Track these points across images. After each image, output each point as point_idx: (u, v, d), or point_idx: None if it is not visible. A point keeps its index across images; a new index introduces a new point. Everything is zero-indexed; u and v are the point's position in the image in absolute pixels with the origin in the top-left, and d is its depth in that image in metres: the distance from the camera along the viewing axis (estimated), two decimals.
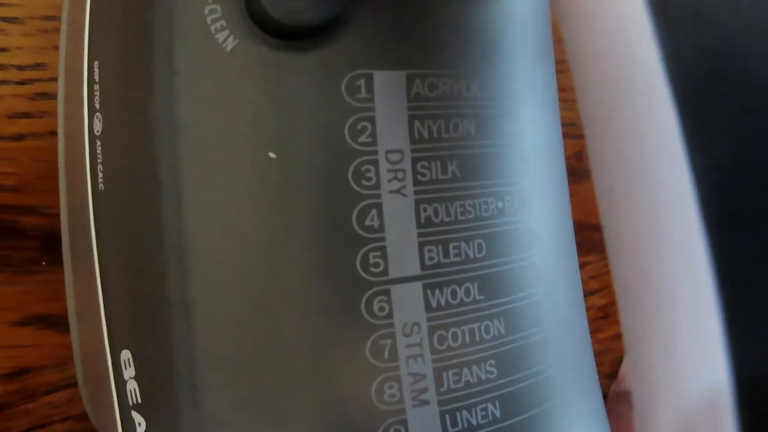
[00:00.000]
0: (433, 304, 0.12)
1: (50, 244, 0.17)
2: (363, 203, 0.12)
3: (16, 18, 0.17)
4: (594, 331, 0.22)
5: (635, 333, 0.08)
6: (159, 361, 0.12)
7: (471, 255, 0.12)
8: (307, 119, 0.11)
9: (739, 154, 0.07)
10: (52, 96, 0.17)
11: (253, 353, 0.11)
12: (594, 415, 0.15)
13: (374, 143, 0.12)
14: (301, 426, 0.11)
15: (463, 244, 0.12)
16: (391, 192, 0.12)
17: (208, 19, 0.11)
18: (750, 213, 0.07)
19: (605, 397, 0.28)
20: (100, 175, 0.13)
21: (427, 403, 0.12)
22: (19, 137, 0.17)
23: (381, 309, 0.12)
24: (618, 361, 0.29)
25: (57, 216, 0.15)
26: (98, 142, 0.13)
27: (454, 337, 0.12)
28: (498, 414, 0.12)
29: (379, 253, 0.12)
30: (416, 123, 0.12)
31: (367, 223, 0.12)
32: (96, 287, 0.14)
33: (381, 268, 0.12)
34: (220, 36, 0.11)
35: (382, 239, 0.12)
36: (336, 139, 0.11)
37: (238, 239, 0.11)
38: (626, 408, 0.27)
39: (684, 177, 0.07)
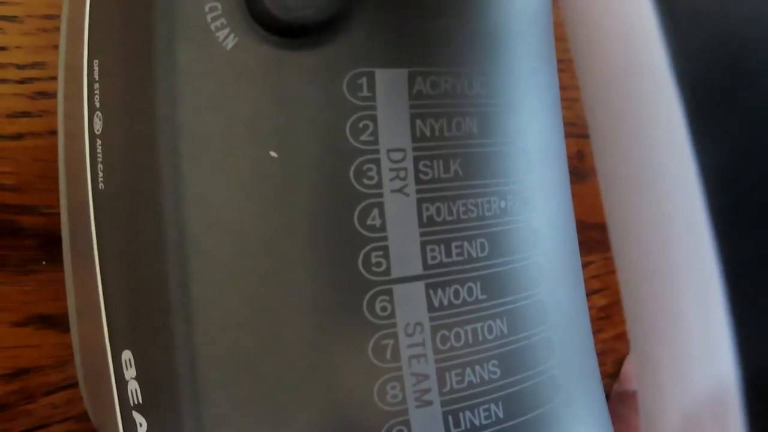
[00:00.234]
0: (436, 303, 0.12)
1: (50, 243, 0.17)
2: (365, 202, 0.12)
3: (15, 17, 0.17)
4: (596, 331, 0.22)
5: (641, 329, 0.08)
6: (160, 361, 0.12)
7: (474, 254, 0.12)
8: (309, 118, 0.11)
9: (747, 151, 0.07)
10: (52, 95, 0.17)
11: (255, 353, 0.11)
12: (597, 415, 0.15)
13: (376, 142, 0.12)
14: (302, 426, 0.11)
15: (466, 244, 0.12)
16: (392, 191, 0.12)
17: (208, 17, 0.11)
18: (757, 209, 0.06)
19: (607, 397, 0.28)
20: (101, 174, 0.13)
21: (429, 403, 0.12)
22: (19, 136, 0.17)
23: (383, 309, 0.12)
24: (620, 361, 0.29)
25: (57, 215, 0.15)
26: (98, 141, 0.13)
27: (457, 337, 0.12)
28: (501, 414, 0.12)
29: (381, 253, 0.12)
30: (418, 121, 0.12)
31: (369, 222, 0.12)
32: (96, 287, 0.14)
33: (383, 267, 0.12)
34: (221, 34, 0.11)
35: (384, 239, 0.12)
36: (337, 138, 0.11)
37: (238, 238, 0.11)
38: (628, 409, 0.27)
39: (691, 174, 0.07)
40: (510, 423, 0.12)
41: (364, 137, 0.11)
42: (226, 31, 0.11)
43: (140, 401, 0.12)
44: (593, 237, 0.28)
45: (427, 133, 0.12)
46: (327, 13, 0.11)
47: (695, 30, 0.07)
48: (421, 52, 0.12)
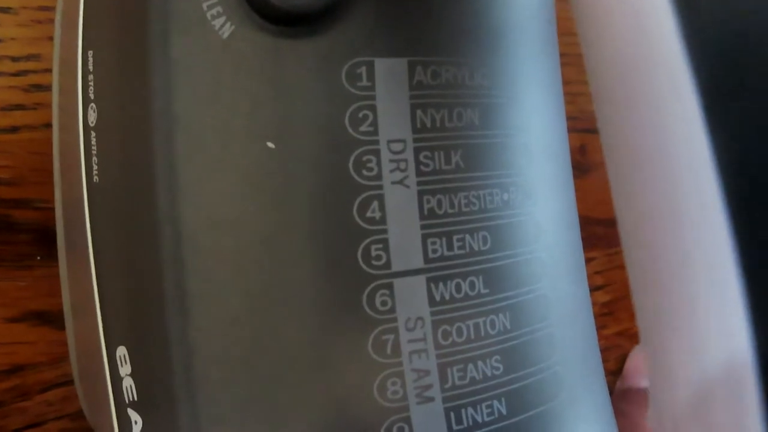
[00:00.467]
0: (437, 298, 0.12)
1: (45, 238, 0.17)
2: (364, 194, 0.11)
3: (9, 8, 0.17)
4: (599, 327, 0.21)
5: (651, 311, 0.07)
6: (156, 357, 0.12)
7: (476, 248, 0.12)
8: (307, 108, 0.11)
9: (761, 138, 0.06)
10: (47, 88, 0.17)
11: (252, 349, 0.11)
12: (601, 412, 0.15)
13: (375, 132, 0.11)
14: (301, 424, 0.11)
15: (468, 237, 0.12)
16: (393, 183, 0.11)
17: (204, 5, 0.11)
18: None
19: (610, 394, 0.28)
20: (95, 167, 0.13)
21: (431, 400, 0.11)
22: (14, 129, 0.17)
23: (383, 303, 0.11)
24: (623, 357, 0.29)
25: (52, 210, 0.15)
26: (93, 134, 0.13)
27: (459, 332, 0.12)
28: (504, 411, 0.12)
29: (381, 246, 0.11)
30: (418, 112, 0.12)
31: (369, 214, 0.11)
32: (91, 282, 0.13)
33: (383, 261, 0.11)
34: (217, 23, 0.11)
35: (384, 231, 0.11)
36: (336, 129, 0.11)
37: (235, 232, 0.11)
38: (631, 405, 0.27)
39: (705, 161, 0.06)
40: (513, 420, 0.12)
41: (363, 128, 0.11)
42: (222, 19, 0.11)
43: (135, 398, 0.12)
44: (596, 233, 0.28)
45: (428, 123, 0.12)
46: (326, 0, 0.11)
47: (710, 18, 0.07)
48: (421, 42, 0.12)
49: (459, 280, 0.12)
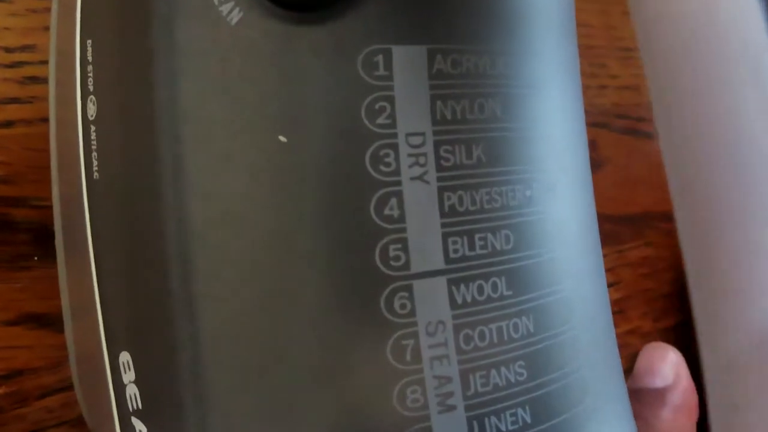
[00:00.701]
0: (459, 300, 0.11)
1: (43, 238, 0.16)
2: (382, 191, 0.11)
3: None
4: None
5: (713, 267, 0.07)
6: (161, 363, 0.11)
7: (498, 247, 0.11)
8: (320, 99, 0.10)
9: None
10: (43, 80, 0.16)
11: (264, 355, 0.10)
12: (623, 416, 0.14)
13: (393, 125, 0.11)
14: None
15: (490, 236, 0.11)
16: (412, 178, 0.11)
17: None
18: None
19: None
20: (95, 162, 0.12)
21: (453, 408, 0.11)
22: (8, 124, 0.16)
23: (402, 306, 0.11)
24: (633, 356, 0.28)
25: (49, 208, 0.14)
26: (92, 127, 0.12)
27: (481, 336, 0.11)
28: (528, 419, 0.11)
29: (399, 245, 0.11)
30: (439, 103, 0.11)
31: (387, 212, 0.11)
32: (91, 283, 0.13)
33: (402, 261, 0.11)
34: (224, 8, 0.10)
35: (403, 230, 0.11)
36: (352, 121, 0.10)
37: (245, 231, 0.11)
38: (643, 405, 0.26)
39: None
40: (538, 428, 0.11)
41: (380, 120, 0.11)
42: (230, 5, 0.10)
43: (140, 407, 0.12)
44: (604, 229, 0.27)
45: (448, 115, 0.11)
46: None
47: None
48: (441, 28, 0.11)
49: (481, 282, 0.11)
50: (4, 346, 0.15)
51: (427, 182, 0.11)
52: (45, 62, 0.16)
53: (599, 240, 0.15)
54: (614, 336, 0.15)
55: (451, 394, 0.11)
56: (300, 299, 0.11)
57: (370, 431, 0.11)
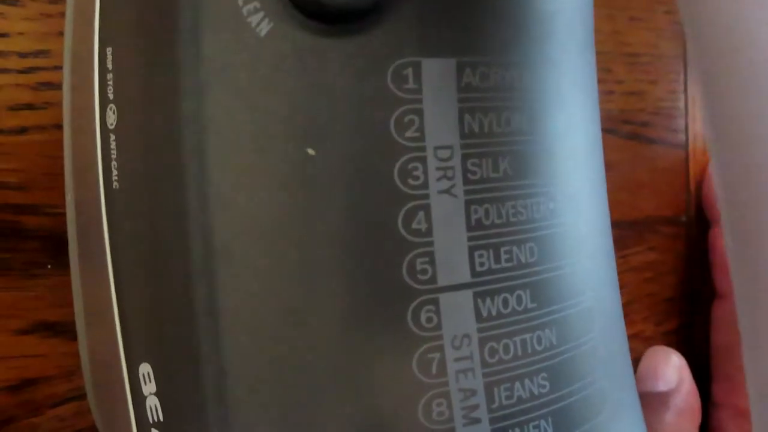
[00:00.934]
0: (484, 313, 0.11)
1: (57, 245, 0.16)
2: (410, 204, 0.11)
3: (16, 1, 0.16)
4: None
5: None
6: (184, 376, 0.11)
7: (523, 260, 0.11)
8: (349, 112, 0.10)
9: None
10: (57, 86, 0.16)
11: (290, 368, 0.10)
12: (638, 424, 0.14)
13: (422, 138, 0.11)
14: None
15: (515, 248, 0.11)
16: (440, 192, 0.11)
17: (240, 0, 0.10)
18: None
19: None
20: (115, 172, 0.12)
21: (478, 421, 0.11)
22: (22, 131, 0.16)
23: (429, 320, 0.11)
24: (636, 361, 0.29)
25: (63, 216, 0.14)
26: (112, 136, 0.12)
27: (506, 349, 0.11)
28: (551, 431, 0.11)
29: (426, 259, 0.11)
30: (467, 116, 0.11)
31: (414, 226, 0.11)
32: (108, 292, 0.13)
33: (429, 275, 0.11)
34: (254, 19, 0.10)
35: (431, 244, 0.11)
36: (381, 134, 0.10)
37: (271, 243, 0.10)
38: (646, 410, 0.26)
39: None
40: None
41: (409, 133, 0.11)
42: (259, 15, 0.10)
43: (161, 419, 0.12)
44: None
45: (476, 129, 0.11)
46: None
47: None
48: (470, 41, 0.11)
49: (506, 295, 0.11)
50: (17, 355, 0.15)
51: (455, 195, 0.11)
52: (59, 68, 0.16)
53: (613, 249, 0.15)
54: (627, 344, 0.15)
55: (476, 407, 0.11)
56: (326, 312, 0.10)
57: None
